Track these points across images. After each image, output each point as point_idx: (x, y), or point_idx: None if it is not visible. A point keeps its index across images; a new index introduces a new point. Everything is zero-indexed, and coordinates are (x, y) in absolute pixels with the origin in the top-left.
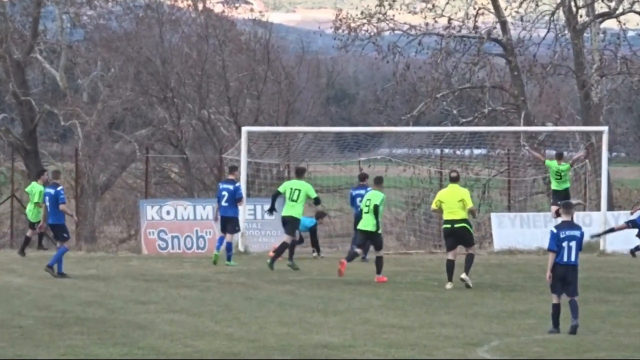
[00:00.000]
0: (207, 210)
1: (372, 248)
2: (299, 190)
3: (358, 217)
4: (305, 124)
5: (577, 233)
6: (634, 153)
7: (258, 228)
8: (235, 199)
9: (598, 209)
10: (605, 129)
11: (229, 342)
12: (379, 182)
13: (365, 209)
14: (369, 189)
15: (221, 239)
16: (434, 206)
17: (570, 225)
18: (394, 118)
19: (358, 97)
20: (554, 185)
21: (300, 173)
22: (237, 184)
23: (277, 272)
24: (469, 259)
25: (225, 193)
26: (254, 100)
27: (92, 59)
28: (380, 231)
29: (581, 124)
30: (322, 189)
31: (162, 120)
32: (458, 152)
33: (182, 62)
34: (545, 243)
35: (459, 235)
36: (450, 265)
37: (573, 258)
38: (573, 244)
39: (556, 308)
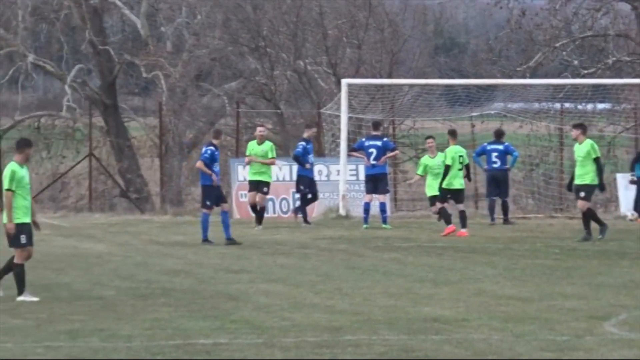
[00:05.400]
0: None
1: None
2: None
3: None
4: (411, 75)
5: None
6: None
7: (361, 190)
8: (385, 154)
9: None
10: None
11: (330, 315)
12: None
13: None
14: (507, 144)
15: (367, 206)
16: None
17: None
18: (508, 69)
19: (469, 47)
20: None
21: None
22: (385, 138)
23: (382, 238)
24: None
25: (373, 150)
26: (355, 50)
27: (177, 4)
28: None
29: None
30: None
31: (253, 72)
32: (580, 107)
33: (275, 8)
34: None
35: None
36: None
37: None
38: None
39: None
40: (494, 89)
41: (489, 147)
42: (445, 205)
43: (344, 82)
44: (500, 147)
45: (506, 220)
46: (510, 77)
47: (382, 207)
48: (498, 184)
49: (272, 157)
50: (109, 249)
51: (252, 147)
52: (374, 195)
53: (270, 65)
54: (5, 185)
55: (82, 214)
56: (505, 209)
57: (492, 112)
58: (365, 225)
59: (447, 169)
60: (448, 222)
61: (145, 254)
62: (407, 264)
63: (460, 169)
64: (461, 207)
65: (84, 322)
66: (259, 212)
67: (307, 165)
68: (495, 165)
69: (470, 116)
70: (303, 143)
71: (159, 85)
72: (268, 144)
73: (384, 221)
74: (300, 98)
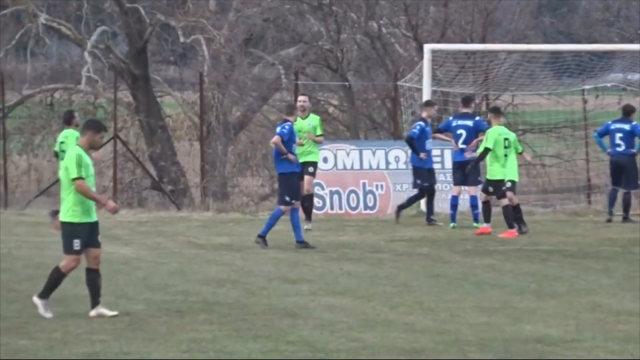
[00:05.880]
0: (377, 156)
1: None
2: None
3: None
4: (509, 40)
5: None
6: None
7: (447, 181)
8: (477, 136)
9: None
10: None
11: (409, 334)
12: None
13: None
14: (635, 124)
15: (454, 200)
16: None
17: None
18: (628, 32)
19: (580, 5)
20: None
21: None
22: (477, 117)
23: (472, 240)
24: None
25: (462, 131)
26: (440, 9)
27: None
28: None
29: None
30: (532, 127)
31: (316, 36)
32: None
33: None
34: None
35: None
36: None
37: None
38: None
39: None
40: (611, 56)
41: (612, 127)
42: (485, 197)
43: (427, 47)
44: (627, 126)
45: (626, 218)
46: (631, 41)
47: (473, 201)
48: (621, 171)
49: (321, 134)
50: (137, 253)
51: (296, 122)
52: (464, 188)
53: (337, 28)
54: (73, 174)
55: (104, 210)
56: (626, 204)
57: (609, 84)
58: (452, 224)
59: (486, 152)
60: (487, 219)
61: (183, 260)
62: (504, 272)
63: (505, 155)
64: (515, 200)
65: (106, 344)
66: (306, 202)
67: (422, 156)
68: (618, 149)
69: (582, 89)
70: (421, 123)
71: (199, 52)
72: (315, 118)
73: (476, 219)
74: (372, 67)
